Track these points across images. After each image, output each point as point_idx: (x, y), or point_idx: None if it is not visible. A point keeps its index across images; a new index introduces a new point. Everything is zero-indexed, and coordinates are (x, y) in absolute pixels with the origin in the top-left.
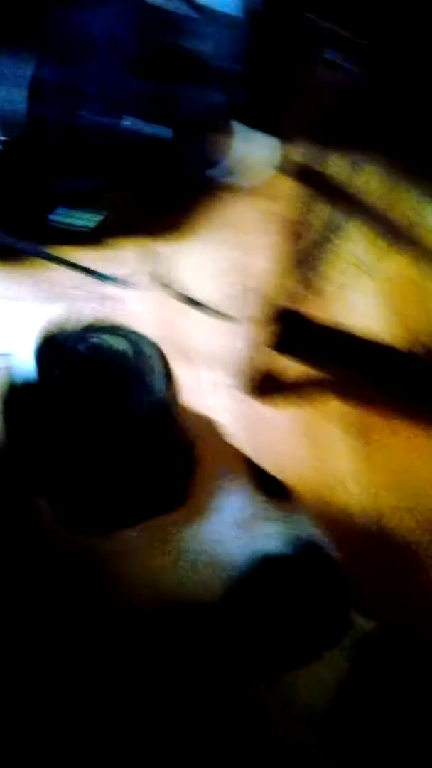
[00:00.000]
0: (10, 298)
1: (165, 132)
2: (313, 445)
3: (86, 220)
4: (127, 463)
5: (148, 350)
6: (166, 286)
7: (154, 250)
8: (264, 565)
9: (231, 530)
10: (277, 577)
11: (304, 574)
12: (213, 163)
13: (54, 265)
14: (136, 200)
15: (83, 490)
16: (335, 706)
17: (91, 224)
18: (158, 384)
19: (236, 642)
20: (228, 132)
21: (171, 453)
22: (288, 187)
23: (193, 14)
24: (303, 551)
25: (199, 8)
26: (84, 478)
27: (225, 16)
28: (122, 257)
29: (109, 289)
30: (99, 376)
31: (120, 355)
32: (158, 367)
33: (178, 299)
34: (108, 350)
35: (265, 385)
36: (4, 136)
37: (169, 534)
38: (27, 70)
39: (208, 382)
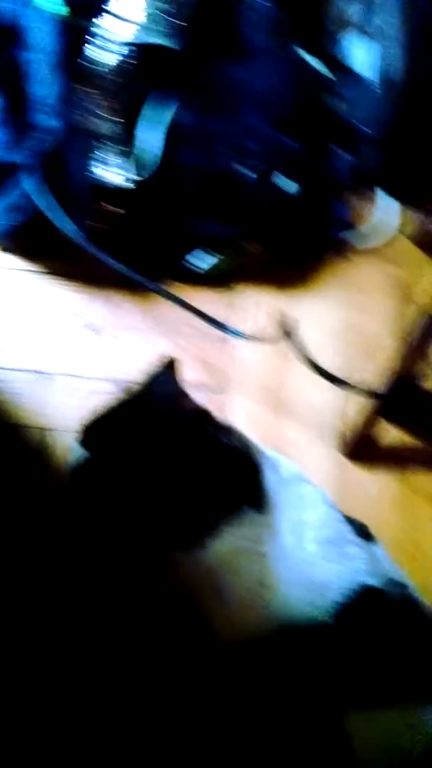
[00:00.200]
0: (128, 329)
1: (300, 188)
2: (399, 514)
3: (213, 264)
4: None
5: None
6: (287, 339)
7: (278, 303)
8: (366, 596)
9: (319, 547)
10: (378, 610)
11: (403, 612)
12: (346, 225)
13: (175, 304)
14: (266, 252)
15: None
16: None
17: (218, 268)
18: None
19: (340, 670)
20: (365, 195)
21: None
22: (409, 250)
23: (337, 76)
24: (396, 590)
25: (345, 70)
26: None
27: (368, 81)
28: (243, 306)
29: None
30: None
31: None
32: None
33: (296, 354)
34: None
35: (362, 449)
36: (137, 175)
37: (258, 547)
38: (168, 114)
39: (305, 438)
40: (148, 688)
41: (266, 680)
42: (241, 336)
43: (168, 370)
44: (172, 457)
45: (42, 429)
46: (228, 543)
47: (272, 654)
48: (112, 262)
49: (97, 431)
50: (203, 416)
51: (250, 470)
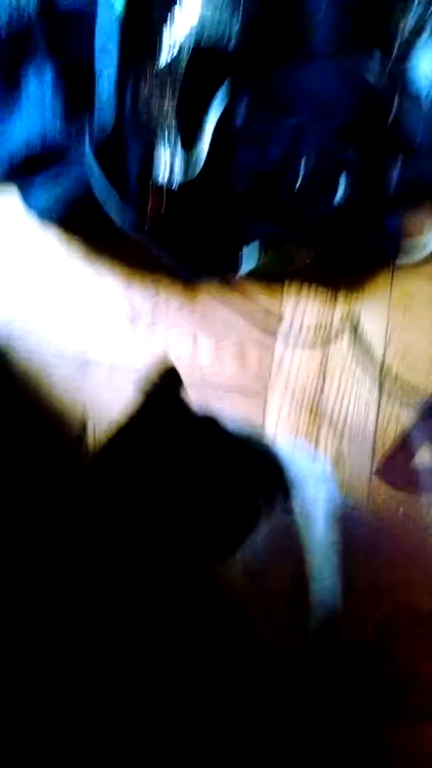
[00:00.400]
0: (170, 322)
1: (353, 196)
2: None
3: (260, 264)
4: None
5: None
6: (361, 349)
7: (325, 308)
8: None
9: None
10: None
11: None
12: (399, 237)
13: (220, 301)
14: (315, 257)
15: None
16: None
17: (264, 269)
18: None
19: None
20: (420, 209)
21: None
22: None
23: (400, 87)
24: None
25: (408, 81)
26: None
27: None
28: (290, 308)
29: (270, 337)
30: None
31: None
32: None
33: (364, 365)
34: None
35: (394, 468)
36: (190, 170)
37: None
38: (226, 111)
39: (339, 449)
40: (185, 694)
41: (309, 686)
42: (288, 340)
43: (170, 374)
44: (193, 465)
45: (79, 417)
46: (263, 545)
47: (317, 657)
48: (159, 252)
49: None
50: (211, 419)
51: (275, 469)
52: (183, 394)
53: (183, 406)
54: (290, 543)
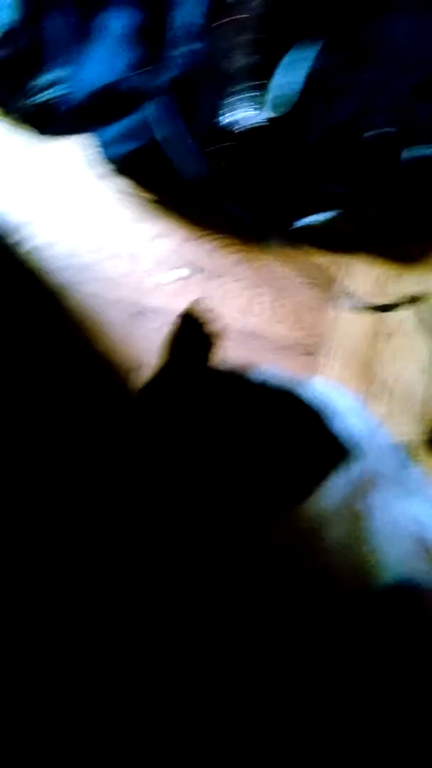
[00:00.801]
0: (227, 275)
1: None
2: None
3: (327, 221)
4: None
5: None
6: (419, 315)
7: (390, 273)
8: None
9: (407, 496)
10: None
11: None
12: None
13: (280, 258)
14: (384, 219)
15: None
16: None
17: (331, 228)
18: None
19: None
20: None
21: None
22: None
23: None
24: None
25: None
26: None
27: None
28: (354, 271)
29: (327, 297)
30: None
31: None
32: None
33: (422, 332)
34: None
35: None
36: (266, 117)
37: (352, 501)
38: (309, 58)
39: (389, 416)
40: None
41: (371, 644)
42: (348, 303)
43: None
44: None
45: (131, 365)
46: (322, 501)
47: (378, 616)
48: (225, 203)
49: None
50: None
51: (326, 423)
52: (211, 342)
53: (206, 356)
54: (351, 502)
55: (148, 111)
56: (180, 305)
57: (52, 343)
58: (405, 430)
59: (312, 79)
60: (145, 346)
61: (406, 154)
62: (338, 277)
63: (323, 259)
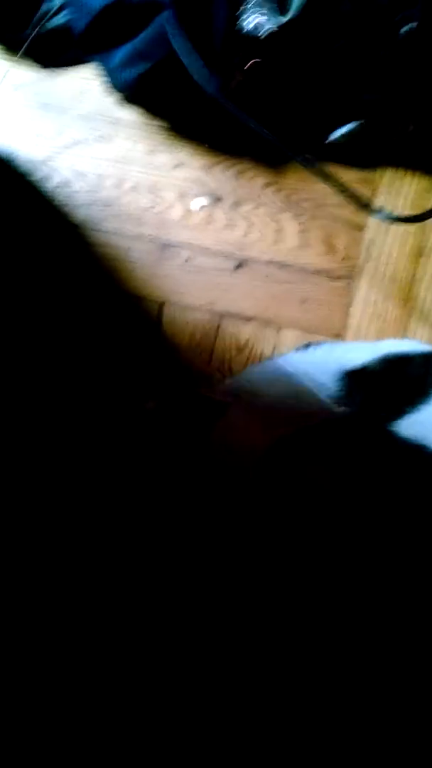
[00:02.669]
0: (251, 202)
1: None
2: None
3: (354, 132)
4: None
5: None
6: None
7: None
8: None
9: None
10: None
11: None
12: None
13: (308, 180)
14: (417, 131)
15: None
16: None
17: (359, 140)
18: None
19: None
20: None
21: None
22: None
23: None
24: None
25: None
26: None
27: None
28: (385, 188)
29: (361, 218)
30: None
31: None
32: None
33: None
34: None
35: None
36: (281, 18)
37: None
38: None
39: (428, 340)
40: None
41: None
42: (385, 217)
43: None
44: None
45: (157, 301)
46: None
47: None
48: (244, 117)
49: None
50: None
51: None
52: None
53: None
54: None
55: (161, 23)
56: (204, 237)
57: (76, 283)
58: None
59: None
60: (170, 282)
61: None
62: (371, 197)
63: (355, 177)
